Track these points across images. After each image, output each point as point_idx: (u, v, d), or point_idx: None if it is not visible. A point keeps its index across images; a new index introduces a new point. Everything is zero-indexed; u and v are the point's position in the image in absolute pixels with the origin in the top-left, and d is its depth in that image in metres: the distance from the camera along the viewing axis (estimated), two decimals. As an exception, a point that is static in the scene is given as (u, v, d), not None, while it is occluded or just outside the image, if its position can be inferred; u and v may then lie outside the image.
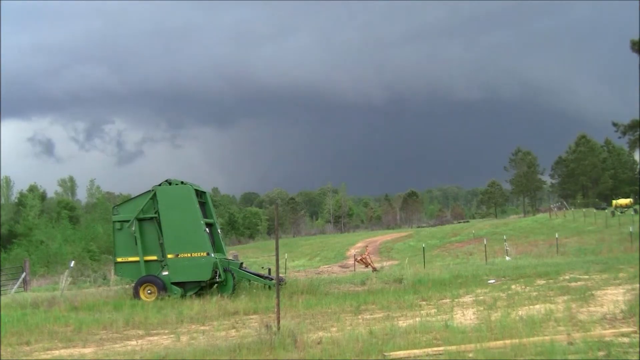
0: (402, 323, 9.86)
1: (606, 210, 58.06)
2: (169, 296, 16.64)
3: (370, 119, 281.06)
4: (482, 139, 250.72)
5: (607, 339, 7.50)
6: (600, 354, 6.80)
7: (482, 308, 11.25)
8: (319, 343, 8.42)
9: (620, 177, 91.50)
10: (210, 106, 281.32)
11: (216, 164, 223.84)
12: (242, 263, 19.13)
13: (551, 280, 15.29)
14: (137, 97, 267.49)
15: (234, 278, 17.48)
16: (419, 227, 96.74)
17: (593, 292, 12.21)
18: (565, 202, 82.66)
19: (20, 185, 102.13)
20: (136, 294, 16.92)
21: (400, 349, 7.54)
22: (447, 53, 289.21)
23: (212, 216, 19.34)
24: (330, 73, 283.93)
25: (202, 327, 11.50)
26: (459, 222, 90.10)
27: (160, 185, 17.98)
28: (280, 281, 12.22)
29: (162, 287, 16.95)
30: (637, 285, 12.35)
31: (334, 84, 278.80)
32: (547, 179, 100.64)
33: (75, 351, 9.79)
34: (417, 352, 7.38)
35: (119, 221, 17.98)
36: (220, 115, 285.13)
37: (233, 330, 10.90)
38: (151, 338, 10.72)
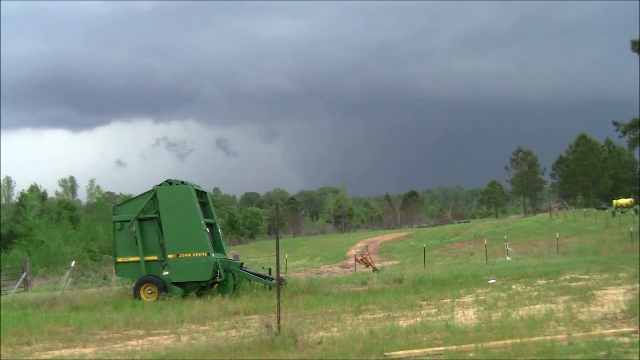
0: (403, 323, 9.86)
1: (607, 210, 58.10)
2: (169, 296, 16.63)
3: (371, 118, 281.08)
4: (482, 139, 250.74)
5: (608, 338, 7.50)
6: (601, 353, 6.80)
7: (482, 308, 11.25)
8: (319, 343, 8.42)
9: (621, 177, 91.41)
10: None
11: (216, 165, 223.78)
12: (242, 263, 19.13)
13: (552, 280, 15.29)
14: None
15: (234, 278, 17.48)
16: (419, 227, 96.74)
17: (593, 292, 12.20)
18: (565, 202, 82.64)
19: (20, 185, 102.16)
20: (137, 294, 16.92)
21: (400, 349, 7.54)
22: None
23: (213, 216, 19.35)
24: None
25: (202, 327, 11.50)
26: (460, 222, 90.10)
27: (160, 185, 17.99)
28: (280, 281, 12.20)
29: (163, 287, 16.95)
30: (638, 285, 12.35)
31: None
32: (547, 179, 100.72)
33: (76, 351, 9.79)
34: (417, 352, 7.38)
35: (119, 221, 17.98)
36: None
37: (233, 330, 10.90)
38: (152, 338, 10.72)
